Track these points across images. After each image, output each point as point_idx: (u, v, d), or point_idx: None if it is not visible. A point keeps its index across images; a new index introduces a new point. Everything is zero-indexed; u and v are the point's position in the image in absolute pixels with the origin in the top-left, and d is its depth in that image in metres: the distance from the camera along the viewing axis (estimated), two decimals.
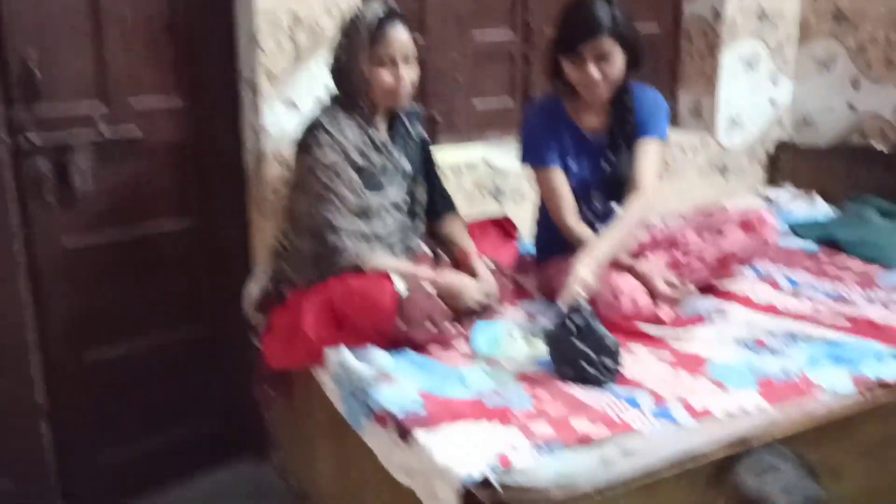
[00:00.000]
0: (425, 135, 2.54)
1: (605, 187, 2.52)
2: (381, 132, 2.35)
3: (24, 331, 2.58)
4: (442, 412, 1.80)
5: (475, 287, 2.31)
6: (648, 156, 2.45)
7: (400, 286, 2.11)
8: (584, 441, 1.67)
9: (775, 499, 1.16)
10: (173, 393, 2.90)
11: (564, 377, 2.00)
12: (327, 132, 2.25)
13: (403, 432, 1.77)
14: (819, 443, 1.86)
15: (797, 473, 1.21)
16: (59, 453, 2.73)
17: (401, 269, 2.20)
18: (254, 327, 2.48)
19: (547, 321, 2.28)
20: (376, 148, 2.32)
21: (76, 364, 2.69)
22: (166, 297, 2.84)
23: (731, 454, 1.71)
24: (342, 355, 2.10)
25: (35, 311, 2.60)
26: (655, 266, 2.41)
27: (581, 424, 1.75)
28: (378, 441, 1.91)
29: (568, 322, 2.00)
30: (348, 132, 2.27)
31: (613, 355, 1.98)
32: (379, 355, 2.08)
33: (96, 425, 2.77)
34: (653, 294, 2.36)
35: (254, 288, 2.58)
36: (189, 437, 2.97)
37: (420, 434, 1.72)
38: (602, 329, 1.99)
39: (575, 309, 2.02)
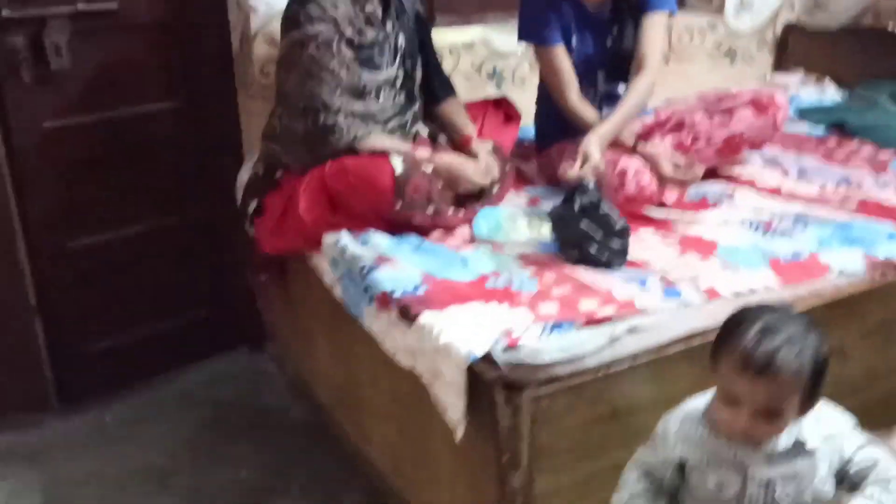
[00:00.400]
0: (421, 9, 2.40)
1: (610, 65, 2.41)
2: (374, 5, 2.21)
3: (9, 220, 2.50)
4: (445, 294, 1.75)
5: (475, 169, 2.22)
6: (656, 30, 2.33)
7: (398, 166, 2.02)
8: (592, 320, 1.62)
9: (779, 354, 1.18)
10: (163, 282, 2.85)
11: (569, 259, 1.94)
12: (318, 4, 2.11)
13: (406, 314, 1.71)
14: (826, 323, 1.79)
15: (802, 329, 1.25)
16: (50, 344, 2.70)
17: (398, 149, 2.11)
18: (246, 213, 2.40)
19: (551, 205, 2.21)
20: (369, 22, 2.19)
21: (61, 252, 2.63)
22: (153, 183, 2.75)
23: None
24: (340, 239, 2.03)
25: (16, 198, 2.52)
26: (662, 148, 2.32)
27: (588, 305, 1.70)
28: (379, 325, 1.86)
29: (574, 202, 1.92)
30: (340, 4, 2.14)
31: (621, 237, 1.91)
32: (378, 238, 2.02)
33: (87, 316, 2.73)
34: (659, 177, 2.28)
35: (245, 172, 2.49)
36: (181, 327, 2.93)
37: (424, 315, 1.67)
38: (610, 209, 1.92)
39: (582, 188, 1.94)
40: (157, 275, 2.83)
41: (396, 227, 2.10)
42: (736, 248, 2.00)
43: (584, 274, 1.87)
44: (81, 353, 2.74)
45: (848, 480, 1.33)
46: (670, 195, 2.32)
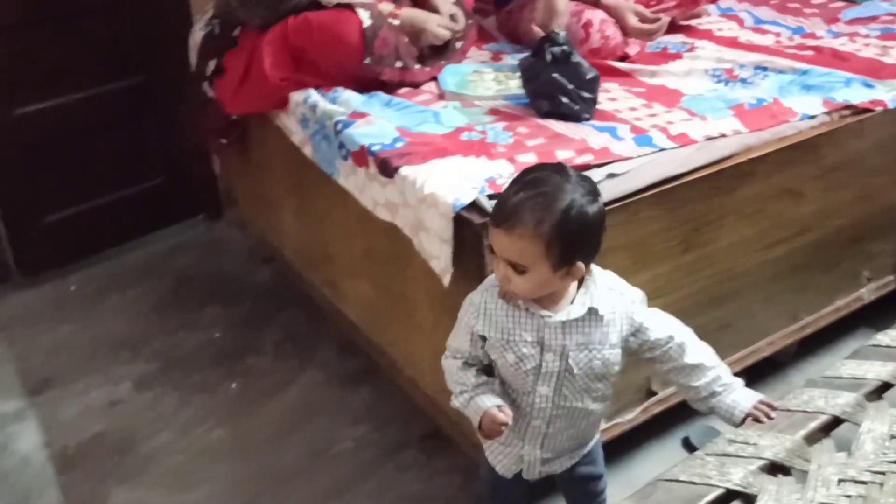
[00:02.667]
0: None
1: None
2: None
3: None
4: (424, 147, 1.75)
5: (439, 21, 2.18)
6: None
7: (365, 19, 1.98)
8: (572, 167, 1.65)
9: (523, 208, 1.21)
10: (116, 151, 2.79)
11: (540, 111, 1.95)
12: None
13: (386, 168, 1.72)
14: (786, 165, 1.90)
15: (561, 187, 1.24)
16: (5, 217, 2.64)
17: (363, 2, 2.05)
18: (204, 74, 2.33)
19: (515, 60, 2.21)
20: None
21: (8, 120, 2.53)
22: (99, 47, 2.63)
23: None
24: (310, 96, 2.00)
25: None
26: (625, 0, 2.31)
27: (565, 154, 1.73)
28: (354, 181, 1.87)
29: (545, 52, 1.92)
30: None
31: (592, 87, 1.93)
32: (349, 95, 1.99)
33: (40, 187, 2.67)
34: (623, 29, 2.28)
35: (198, 32, 2.40)
36: (137, 197, 2.91)
37: (405, 168, 1.68)
38: (581, 59, 1.93)
39: (551, 39, 1.93)
40: (110, 143, 2.77)
41: (363, 83, 2.07)
42: (700, 97, 2.04)
43: (556, 125, 1.89)
44: (38, 224, 2.70)
45: (641, 345, 1.35)
46: (633, 47, 2.34)
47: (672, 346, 1.36)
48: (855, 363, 1.44)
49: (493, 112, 1.99)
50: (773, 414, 1.31)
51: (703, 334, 1.84)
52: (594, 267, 1.33)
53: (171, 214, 2.99)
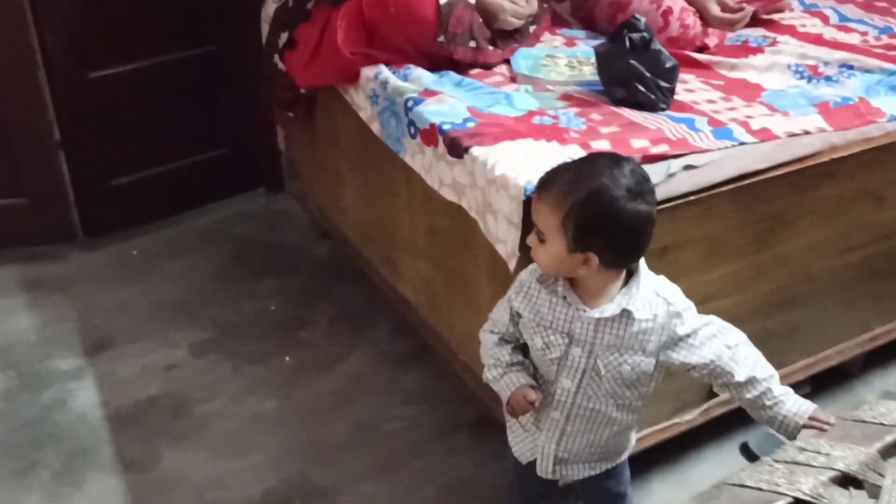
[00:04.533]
0: None
1: None
2: None
3: (31, 50, 2.43)
4: (495, 129, 1.72)
5: (512, 6, 2.14)
6: None
7: None
8: (649, 156, 1.61)
9: (555, 177, 1.26)
10: (182, 120, 2.81)
11: (614, 99, 1.91)
12: None
13: (456, 148, 1.70)
14: (871, 166, 1.83)
15: (606, 172, 1.25)
16: (74, 179, 2.68)
17: None
18: (275, 46, 2.32)
19: (588, 46, 2.16)
20: None
21: (82, 82, 2.56)
22: (171, 13, 2.66)
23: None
24: (381, 72, 1.98)
25: (36, 27, 2.44)
26: None
27: (640, 143, 1.69)
28: (422, 160, 1.85)
29: (623, 38, 1.87)
30: None
31: (670, 76, 1.87)
32: (420, 73, 1.97)
33: (109, 151, 2.70)
34: (704, 18, 2.22)
35: (271, 4, 2.40)
36: (201, 166, 2.92)
37: (475, 149, 1.65)
38: (660, 47, 1.87)
39: (632, 25, 1.88)
40: (177, 112, 2.79)
41: (435, 62, 2.04)
42: (782, 93, 1.97)
43: (631, 114, 1.84)
44: (105, 187, 2.73)
45: (682, 365, 1.30)
46: (712, 38, 2.27)
47: (717, 367, 1.30)
48: None
49: (566, 97, 1.95)
50: (826, 428, 1.26)
51: (769, 337, 1.79)
52: (643, 269, 1.29)
53: (233, 185, 3.01)
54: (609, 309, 1.26)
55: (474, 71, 2.07)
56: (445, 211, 1.83)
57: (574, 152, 1.62)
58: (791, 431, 1.29)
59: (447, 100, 1.84)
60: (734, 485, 1.23)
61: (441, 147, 1.75)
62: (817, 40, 2.33)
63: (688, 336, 1.29)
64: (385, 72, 1.98)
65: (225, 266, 2.69)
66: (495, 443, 1.99)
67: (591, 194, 1.20)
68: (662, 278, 1.32)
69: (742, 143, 1.69)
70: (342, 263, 2.61)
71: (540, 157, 1.60)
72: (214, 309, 2.48)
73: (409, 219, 2.05)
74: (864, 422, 1.29)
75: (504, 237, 1.59)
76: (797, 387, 2.05)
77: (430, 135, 1.78)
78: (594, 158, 1.30)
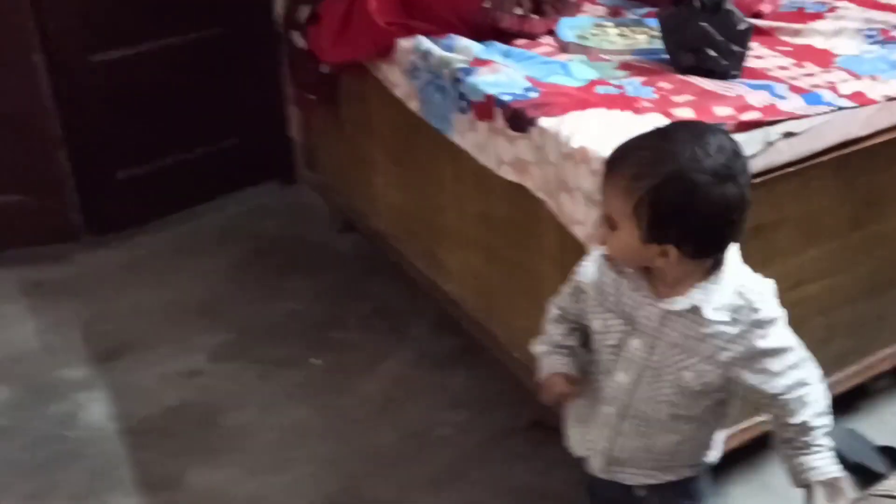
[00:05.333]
0: None
1: None
2: None
3: (27, 32, 2.24)
4: (562, 98, 1.55)
5: None
6: None
7: None
8: (743, 124, 1.44)
9: (627, 154, 1.05)
10: (188, 108, 2.61)
11: (681, 66, 1.74)
12: None
13: (518, 121, 1.52)
14: None
15: (690, 145, 1.02)
16: (77, 173, 2.49)
17: None
18: (294, 21, 2.14)
19: (634, 14, 2.00)
20: None
21: (83, 66, 2.37)
22: None
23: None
24: (422, 43, 1.80)
25: (34, 7, 2.25)
26: None
27: (723, 111, 1.52)
28: (474, 138, 1.67)
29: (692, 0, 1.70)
30: None
31: (743, 39, 1.70)
32: (466, 43, 1.79)
33: (113, 142, 2.51)
34: None
35: None
36: (209, 157, 2.73)
37: (544, 121, 1.48)
38: (733, 7, 1.70)
39: None
40: (183, 99, 2.59)
41: (478, 31, 1.87)
42: (858, 58, 1.80)
43: (702, 82, 1.67)
44: (109, 180, 2.54)
45: (751, 389, 1.11)
46: (766, 5, 2.10)
47: (784, 403, 1.11)
48: None
49: (626, 66, 1.78)
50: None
51: (858, 325, 1.63)
52: (732, 260, 1.08)
53: (243, 177, 2.82)
54: (680, 302, 1.07)
55: (519, 41, 1.89)
56: (503, 194, 1.66)
57: (657, 120, 1.45)
58: (801, 480, 1.13)
59: (502, 69, 1.66)
60: (882, 495, 1.08)
61: (499, 121, 1.57)
62: (876, 5, 2.17)
63: (768, 355, 1.09)
64: (426, 42, 1.81)
65: (243, 264, 2.50)
66: (555, 448, 1.82)
67: (670, 179, 1.00)
68: (754, 275, 1.11)
69: (840, 108, 1.52)
70: (372, 258, 2.42)
71: (619, 127, 1.42)
72: (236, 310, 2.29)
73: (456, 206, 1.87)
74: None
75: (584, 217, 1.41)
76: (880, 378, 1.92)
77: (486, 108, 1.60)
78: (673, 131, 1.07)
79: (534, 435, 1.86)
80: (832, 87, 1.61)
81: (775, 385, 1.10)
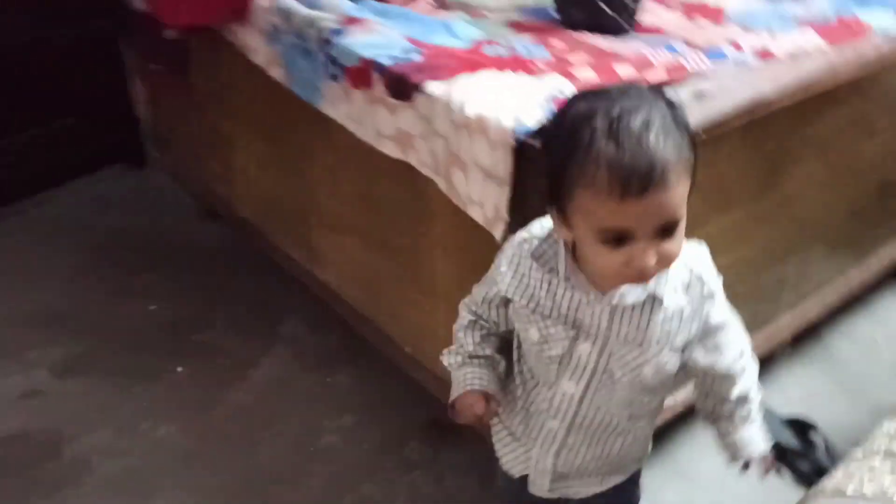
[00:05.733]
0: None
1: None
2: None
3: None
4: (449, 60, 1.36)
5: None
6: None
7: None
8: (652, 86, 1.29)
9: (659, 147, 0.79)
10: (16, 81, 2.26)
11: (571, 22, 1.59)
12: None
13: (401, 87, 1.32)
14: (868, 89, 1.59)
15: (648, 99, 0.83)
16: None
17: None
18: None
19: None
20: None
21: None
22: None
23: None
24: (281, 1, 1.57)
25: None
26: None
27: (625, 70, 1.37)
28: (349, 109, 1.46)
29: None
30: None
31: None
32: (332, 0, 1.57)
33: None
34: None
35: None
36: (41, 140, 2.40)
37: (432, 86, 1.28)
38: None
39: None
40: (10, 71, 2.24)
41: None
42: (751, 13, 1.71)
43: (596, 40, 1.53)
44: None
45: (697, 366, 1.01)
46: None
47: (726, 376, 1.03)
48: None
49: (513, 24, 1.61)
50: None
51: (761, 295, 1.55)
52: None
53: (82, 162, 2.49)
54: (632, 294, 0.92)
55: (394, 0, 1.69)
56: (383, 172, 1.47)
57: (559, 82, 1.28)
58: (740, 455, 1.08)
59: (378, 28, 1.45)
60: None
61: (378, 88, 1.37)
62: None
63: (719, 329, 0.98)
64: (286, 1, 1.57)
65: (87, 262, 2.19)
66: (453, 451, 1.66)
67: (684, 121, 0.86)
68: (694, 243, 0.97)
69: (745, 64, 1.40)
70: (238, 249, 2.18)
71: (517, 90, 1.25)
72: (81, 317, 2.00)
73: (330, 187, 1.66)
74: None
75: (481, 197, 1.24)
76: (781, 350, 1.86)
77: (362, 74, 1.39)
78: (620, 100, 0.83)
79: (430, 437, 1.69)
80: (735, 44, 1.50)
81: (724, 359, 1.00)
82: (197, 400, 1.77)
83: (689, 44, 1.52)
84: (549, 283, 0.95)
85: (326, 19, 1.48)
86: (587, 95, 0.87)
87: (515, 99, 1.22)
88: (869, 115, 1.65)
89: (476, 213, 1.25)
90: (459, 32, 1.53)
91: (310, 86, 1.53)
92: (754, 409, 1.07)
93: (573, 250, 0.93)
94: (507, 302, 1.01)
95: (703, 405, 1.09)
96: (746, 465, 1.09)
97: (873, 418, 1.74)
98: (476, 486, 1.59)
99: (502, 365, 1.07)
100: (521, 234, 1.00)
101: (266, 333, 1.95)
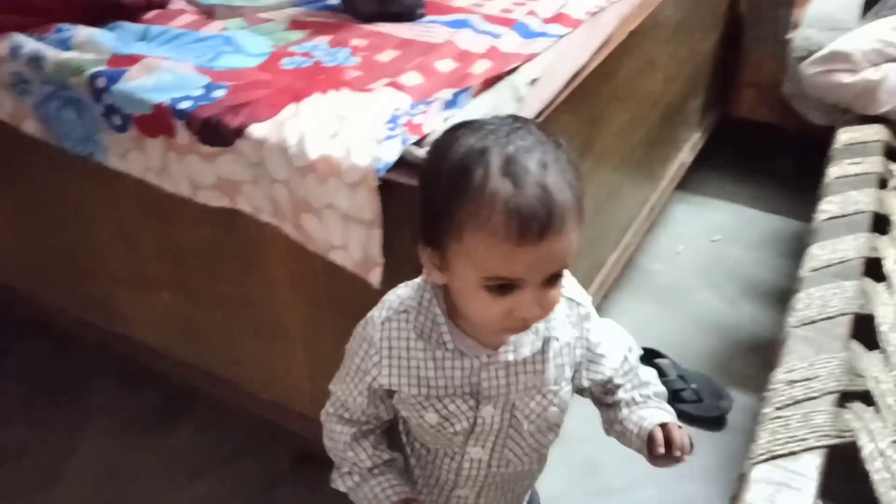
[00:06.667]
0: None
1: None
2: None
3: None
4: (259, 92, 1.19)
5: None
6: None
7: None
8: (487, 84, 1.22)
9: (554, 189, 0.72)
10: None
11: (360, 13, 1.48)
12: None
13: (217, 134, 1.14)
14: (643, 39, 1.64)
15: (536, 138, 0.76)
16: None
17: None
18: None
19: None
20: None
21: None
22: None
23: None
24: (20, 45, 1.30)
25: None
26: None
27: (446, 65, 1.29)
28: (145, 160, 1.25)
29: None
30: None
31: None
32: (87, 33, 1.32)
33: None
34: None
35: None
36: None
37: (256, 128, 1.12)
38: None
39: None
40: None
41: (87, 12, 1.40)
42: None
43: (395, 29, 1.43)
44: None
45: (594, 383, 0.94)
46: None
47: (616, 381, 0.95)
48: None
49: (297, 25, 1.46)
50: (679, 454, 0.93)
51: (590, 246, 1.60)
52: None
53: None
54: (526, 346, 0.86)
55: (149, 15, 1.47)
56: (198, 220, 1.29)
57: (395, 99, 1.18)
58: (641, 436, 0.94)
59: (160, 64, 1.24)
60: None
61: (183, 136, 1.18)
62: None
63: (598, 345, 0.93)
64: (27, 43, 1.30)
65: None
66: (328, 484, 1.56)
67: (573, 163, 0.78)
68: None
69: (560, 37, 1.37)
70: (4, 321, 1.85)
71: (357, 118, 1.13)
72: None
73: (123, 245, 1.44)
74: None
75: (343, 241, 1.12)
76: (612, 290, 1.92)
77: (157, 121, 1.19)
78: (506, 137, 0.75)
79: (300, 478, 1.57)
80: (531, 13, 1.46)
81: (612, 365, 0.94)
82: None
83: (485, 17, 1.47)
84: (435, 359, 0.85)
85: (89, 61, 1.24)
86: (472, 127, 0.77)
87: (356, 128, 1.10)
88: (652, 55, 1.71)
89: (339, 258, 1.13)
90: (246, 46, 1.36)
91: (84, 140, 1.30)
92: (651, 388, 0.98)
93: (445, 297, 0.84)
94: (391, 393, 0.89)
95: (604, 415, 1.00)
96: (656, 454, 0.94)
97: (695, 328, 1.87)
98: None
99: (401, 459, 0.97)
100: (380, 313, 0.87)
101: (74, 410, 1.69)
